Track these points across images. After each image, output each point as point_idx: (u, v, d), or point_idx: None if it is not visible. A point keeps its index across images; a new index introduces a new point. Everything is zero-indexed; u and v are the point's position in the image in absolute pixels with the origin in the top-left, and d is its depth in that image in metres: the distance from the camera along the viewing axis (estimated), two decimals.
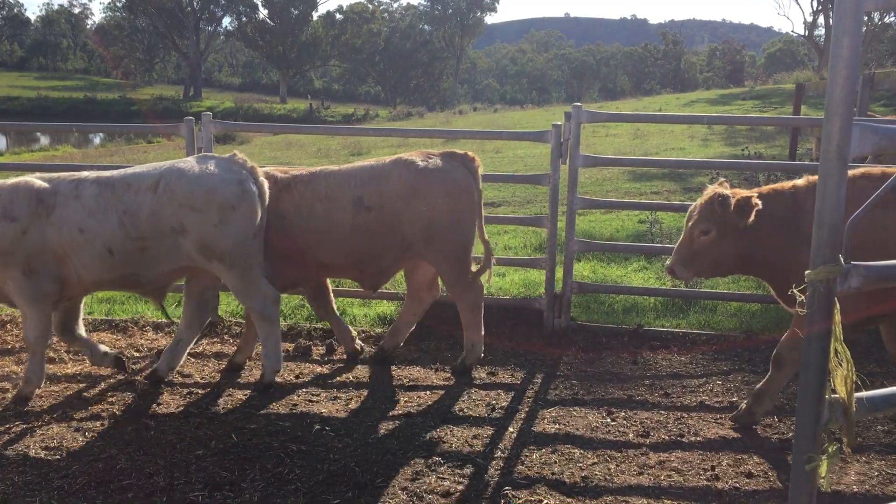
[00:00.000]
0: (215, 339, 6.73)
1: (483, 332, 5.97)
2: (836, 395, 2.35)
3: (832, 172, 2.35)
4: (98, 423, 4.99)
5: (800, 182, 4.74)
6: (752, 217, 4.51)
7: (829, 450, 2.32)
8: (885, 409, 2.61)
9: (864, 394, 2.47)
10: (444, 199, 5.60)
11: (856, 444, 4.08)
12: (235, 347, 6.51)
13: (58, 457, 4.53)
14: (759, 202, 4.50)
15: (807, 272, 2.41)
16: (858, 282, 2.41)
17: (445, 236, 5.64)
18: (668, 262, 4.91)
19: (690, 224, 4.76)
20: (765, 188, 4.81)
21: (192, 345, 5.90)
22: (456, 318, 6.90)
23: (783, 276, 4.68)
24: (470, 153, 5.88)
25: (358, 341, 6.35)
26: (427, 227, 5.59)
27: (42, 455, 4.55)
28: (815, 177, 4.68)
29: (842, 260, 2.36)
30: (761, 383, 4.94)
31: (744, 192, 4.63)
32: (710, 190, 4.74)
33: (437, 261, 5.77)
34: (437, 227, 5.60)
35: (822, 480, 2.35)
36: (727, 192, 4.64)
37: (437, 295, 6.25)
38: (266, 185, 5.45)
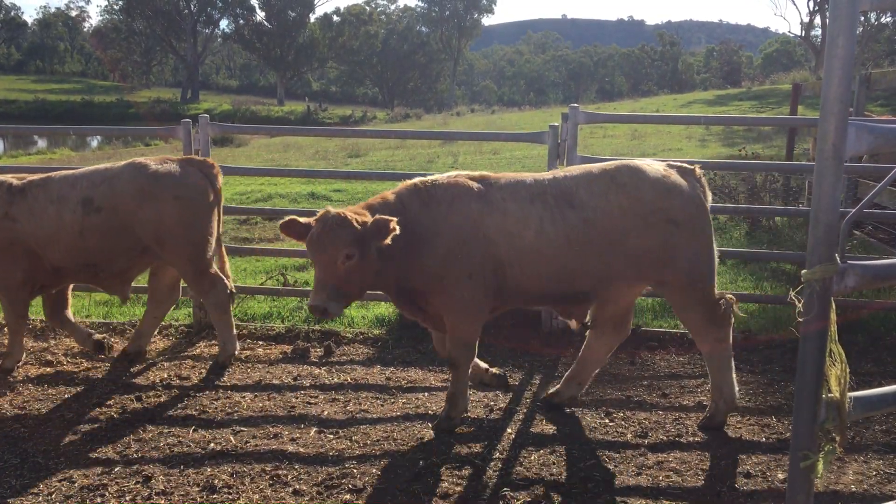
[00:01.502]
0: (213, 342, 6.72)
1: (234, 331, 6.18)
2: (832, 395, 2.35)
3: (828, 172, 2.35)
4: (96, 427, 4.99)
5: (398, 189, 4.76)
6: (389, 239, 4.38)
7: (825, 448, 2.33)
8: (880, 408, 2.61)
9: (858, 393, 2.47)
10: (173, 203, 5.70)
11: (847, 444, 4.10)
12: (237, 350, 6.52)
13: (55, 460, 4.52)
14: (397, 227, 4.38)
15: (803, 272, 2.41)
16: (854, 281, 2.41)
17: (178, 239, 5.76)
18: (311, 302, 4.42)
19: (328, 254, 4.39)
20: (373, 200, 4.74)
21: None
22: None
23: (398, 283, 4.73)
24: (209, 160, 6.02)
25: (96, 336, 6.37)
26: (158, 229, 5.69)
27: (39, 458, 4.54)
28: (415, 180, 4.75)
29: (838, 259, 2.36)
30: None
31: (360, 212, 4.51)
32: (323, 214, 4.47)
33: (174, 261, 5.92)
34: (168, 231, 5.71)
35: (818, 478, 2.36)
36: (347, 212, 4.47)
37: (177, 297, 6.42)
38: None
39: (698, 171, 4.93)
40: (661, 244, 4.64)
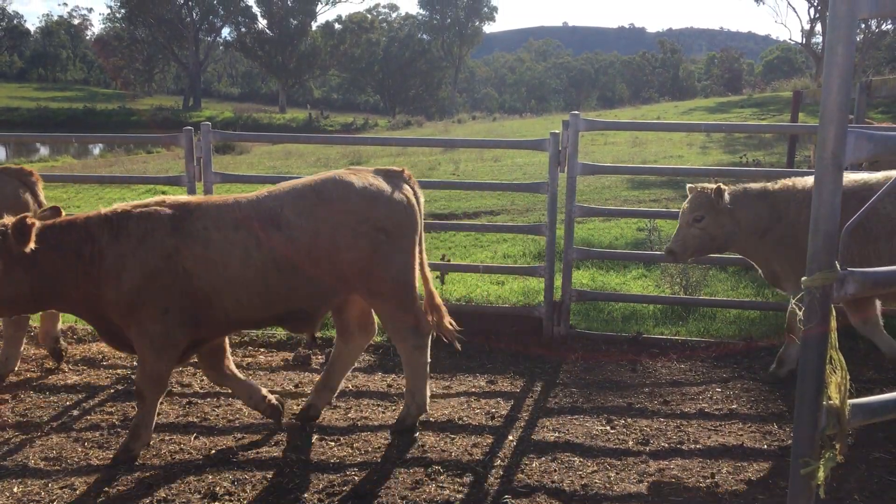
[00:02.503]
0: None
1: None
2: (832, 402, 2.36)
3: (827, 179, 2.36)
4: (97, 434, 4.99)
5: (90, 214, 4.57)
6: (32, 242, 4.22)
7: (826, 455, 2.33)
8: (881, 415, 2.61)
9: (859, 400, 2.47)
10: None
11: (847, 452, 4.10)
12: (235, 357, 6.53)
13: (57, 467, 4.53)
14: (36, 222, 4.25)
15: (803, 279, 2.42)
16: (854, 288, 2.41)
17: None
18: None
19: None
20: (61, 218, 4.56)
21: None
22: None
23: (89, 308, 4.55)
24: (27, 167, 5.80)
25: None
26: None
27: (42, 465, 4.55)
28: (106, 210, 4.50)
29: (838, 266, 2.37)
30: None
31: (17, 218, 4.29)
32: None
33: None
34: None
35: (820, 486, 2.36)
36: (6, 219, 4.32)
37: None
38: None
39: (407, 172, 4.95)
40: (371, 254, 4.64)
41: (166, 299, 4.45)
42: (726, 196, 5.48)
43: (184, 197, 4.78)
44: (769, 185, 5.60)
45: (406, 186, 4.87)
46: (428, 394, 5.04)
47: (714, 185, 5.53)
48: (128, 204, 4.61)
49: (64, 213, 4.70)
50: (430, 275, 5.19)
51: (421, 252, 4.99)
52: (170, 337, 4.52)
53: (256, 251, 4.48)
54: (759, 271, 5.88)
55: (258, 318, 4.75)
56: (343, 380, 5.31)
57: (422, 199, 4.98)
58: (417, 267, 4.95)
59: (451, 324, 5.22)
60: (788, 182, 5.56)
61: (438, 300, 5.19)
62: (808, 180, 5.54)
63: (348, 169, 4.92)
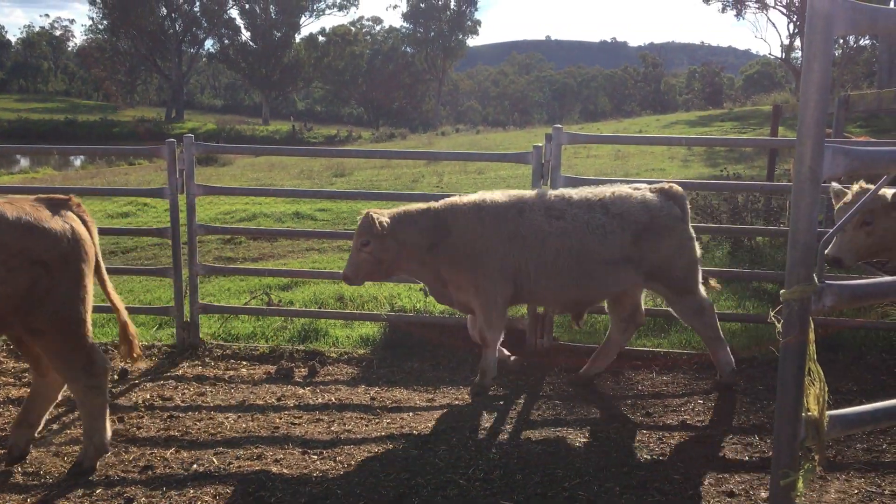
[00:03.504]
0: (196, 362, 6.69)
1: None
2: (810, 413, 2.38)
3: (805, 193, 2.39)
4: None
5: None
6: None
7: (805, 466, 2.35)
8: (858, 426, 2.64)
9: (837, 412, 2.50)
10: None
11: (828, 462, 4.12)
12: (217, 370, 6.50)
13: (36, 482, 4.48)
14: None
15: (782, 291, 2.45)
16: (832, 300, 2.44)
17: None
18: None
19: None
20: None
21: None
22: (440, 338, 6.93)
23: None
24: None
25: None
26: None
27: (21, 480, 4.50)
28: None
29: (815, 279, 2.40)
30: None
31: None
32: None
33: None
34: None
35: (799, 497, 2.38)
36: None
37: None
38: None
39: (75, 200, 4.69)
40: (28, 290, 4.29)
41: None
42: (380, 222, 5.58)
43: None
44: (433, 204, 5.83)
45: (71, 215, 4.58)
46: (108, 435, 4.76)
47: (371, 213, 5.65)
48: None
49: None
50: (121, 304, 4.95)
51: (103, 281, 4.76)
52: None
53: None
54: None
55: None
56: (46, 415, 4.98)
57: (93, 227, 4.69)
58: (100, 297, 4.64)
59: (138, 356, 5.03)
60: (453, 199, 5.84)
61: (133, 331, 4.98)
62: (472, 197, 5.84)
63: (4, 198, 4.53)
